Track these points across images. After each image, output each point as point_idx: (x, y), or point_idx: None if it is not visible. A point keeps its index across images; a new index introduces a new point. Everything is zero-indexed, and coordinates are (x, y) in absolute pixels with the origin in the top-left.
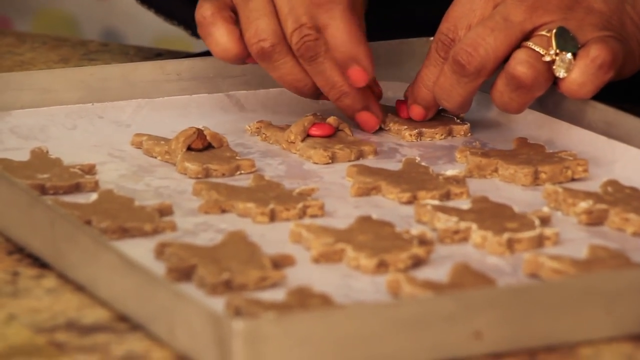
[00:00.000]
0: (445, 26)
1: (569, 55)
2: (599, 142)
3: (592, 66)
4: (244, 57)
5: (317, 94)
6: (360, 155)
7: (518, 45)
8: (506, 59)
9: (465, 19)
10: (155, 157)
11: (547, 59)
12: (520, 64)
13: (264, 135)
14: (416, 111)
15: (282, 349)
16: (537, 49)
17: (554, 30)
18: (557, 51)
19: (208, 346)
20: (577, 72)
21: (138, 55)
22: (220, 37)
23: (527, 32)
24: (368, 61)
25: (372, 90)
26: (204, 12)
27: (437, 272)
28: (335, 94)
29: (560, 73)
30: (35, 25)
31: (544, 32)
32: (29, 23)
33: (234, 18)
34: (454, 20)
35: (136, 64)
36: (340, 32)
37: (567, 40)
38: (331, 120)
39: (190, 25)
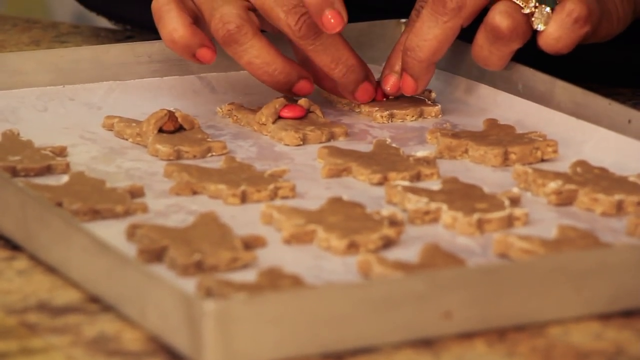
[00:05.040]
0: None
1: (548, 9)
2: (568, 123)
3: (568, 20)
4: (194, 45)
5: (289, 82)
6: (331, 136)
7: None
8: (485, 12)
9: None
10: (127, 139)
11: (526, 11)
12: (499, 14)
13: (235, 117)
14: (406, 81)
15: (253, 330)
16: (517, 1)
17: None
18: (536, 4)
19: (179, 327)
20: (553, 26)
21: (109, 38)
22: (170, 20)
23: None
24: (340, 3)
25: None
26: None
27: (408, 252)
28: (342, 70)
29: (539, 26)
30: (8, 7)
31: None
32: (2, 5)
33: (193, 12)
34: None
35: (107, 46)
36: None
37: None
38: (302, 102)
39: (143, 25)
